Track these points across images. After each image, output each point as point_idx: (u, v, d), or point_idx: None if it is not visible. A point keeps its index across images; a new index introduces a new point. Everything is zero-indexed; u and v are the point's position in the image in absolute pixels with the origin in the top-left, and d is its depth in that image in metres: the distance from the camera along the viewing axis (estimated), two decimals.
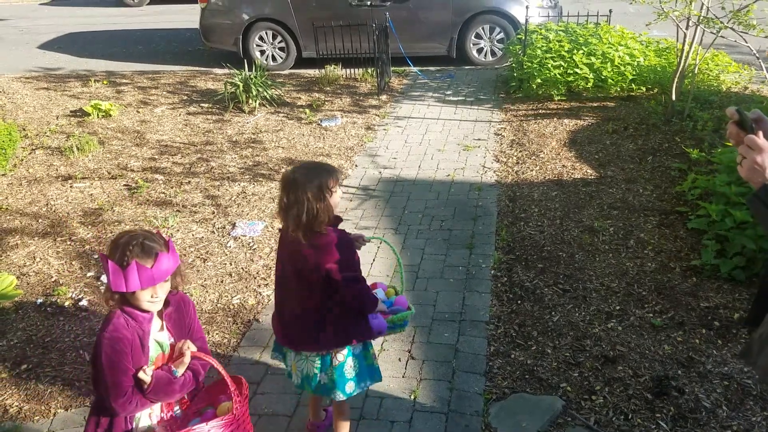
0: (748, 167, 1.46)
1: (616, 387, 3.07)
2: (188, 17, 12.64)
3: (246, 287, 4.06)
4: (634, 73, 6.86)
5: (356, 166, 5.80)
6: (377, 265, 4.22)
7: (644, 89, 6.90)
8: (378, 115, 6.98)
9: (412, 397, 3.06)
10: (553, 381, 3.12)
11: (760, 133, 1.46)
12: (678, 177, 5.03)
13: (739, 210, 3.77)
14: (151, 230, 2.13)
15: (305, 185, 2.29)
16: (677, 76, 5.82)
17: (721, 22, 4.35)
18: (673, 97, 5.92)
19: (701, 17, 4.80)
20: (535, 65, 7.01)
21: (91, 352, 2.07)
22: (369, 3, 8.56)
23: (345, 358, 2.48)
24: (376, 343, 3.43)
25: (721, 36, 5.07)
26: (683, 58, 5.67)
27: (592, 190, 5.06)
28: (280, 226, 2.45)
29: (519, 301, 3.79)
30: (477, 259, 4.24)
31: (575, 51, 6.97)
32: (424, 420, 2.91)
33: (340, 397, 2.48)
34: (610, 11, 7.62)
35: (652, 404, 2.93)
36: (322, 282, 2.35)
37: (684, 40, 5.63)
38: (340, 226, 2.49)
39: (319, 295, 2.39)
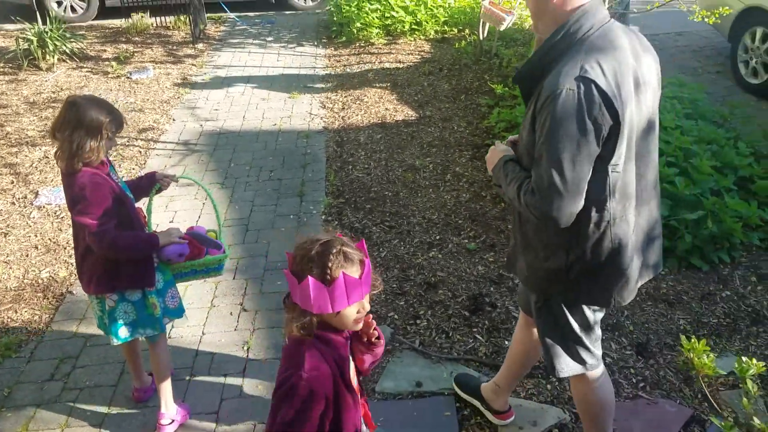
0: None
1: (438, 309, 3.28)
2: None
3: (56, 259, 3.73)
4: (446, 15, 7.13)
5: (174, 120, 5.50)
6: (204, 220, 4.08)
7: (456, 30, 7.21)
8: (195, 65, 6.62)
9: (245, 348, 3.05)
10: (381, 312, 3.27)
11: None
12: (487, 112, 5.37)
13: None
14: (332, 230, 1.71)
15: (85, 115, 2.21)
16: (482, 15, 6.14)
17: None
18: (481, 37, 6.25)
19: None
20: (354, 9, 7.02)
21: (275, 402, 1.56)
22: None
23: (116, 304, 2.42)
24: (205, 299, 3.36)
25: None
26: None
27: (413, 130, 5.25)
28: None
29: None
30: (308, 206, 4.26)
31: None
32: (258, 368, 2.92)
33: (114, 341, 2.46)
34: None
35: (469, 320, 3.18)
36: (75, 223, 2.33)
37: None
38: None
39: (75, 237, 2.41)
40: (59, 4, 8.23)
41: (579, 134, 1.65)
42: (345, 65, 6.66)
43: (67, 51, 6.63)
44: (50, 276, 3.59)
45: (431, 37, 7.16)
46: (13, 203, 4.29)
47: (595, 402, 2.18)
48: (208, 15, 7.97)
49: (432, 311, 3.27)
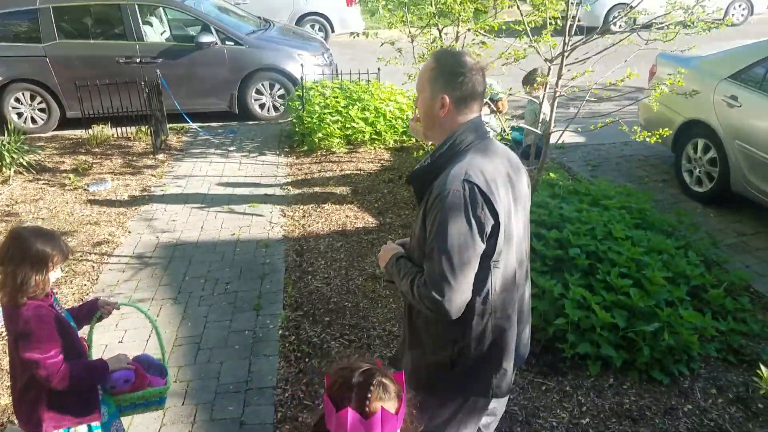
0: None
1: None
2: None
3: None
4: (404, 126, 7.39)
5: (129, 232, 5.41)
6: (155, 340, 3.92)
7: (414, 140, 7.45)
8: (154, 176, 6.63)
9: None
10: None
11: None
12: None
13: None
14: (371, 359, 1.60)
15: (30, 248, 2.18)
16: None
17: None
18: None
19: None
20: (315, 120, 7.23)
21: None
22: (138, 60, 8.20)
23: None
24: (152, 427, 3.16)
25: None
26: None
27: (374, 238, 5.28)
28: None
29: (306, 359, 3.76)
30: (264, 320, 4.15)
31: (350, 106, 7.32)
32: None
33: None
34: (379, 69, 8.17)
35: None
36: (19, 358, 2.24)
37: None
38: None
39: (12, 371, 2.33)
40: (20, 115, 8.27)
41: (466, 230, 1.86)
42: (306, 173, 6.76)
43: (24, 163, 6.59)
44: None
45: (390, 146, 7.38)
46: None
47: None
48: (171, 125, 8.09)
49: None
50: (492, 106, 5.31)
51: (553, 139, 4.31)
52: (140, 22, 8.27)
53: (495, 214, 1.89)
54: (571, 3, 3.79)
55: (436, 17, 5.48)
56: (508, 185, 1.99)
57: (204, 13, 8.63)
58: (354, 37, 6.01)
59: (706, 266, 4.29)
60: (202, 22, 8.60)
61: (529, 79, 5.51)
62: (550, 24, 4.36)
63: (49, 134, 8.15)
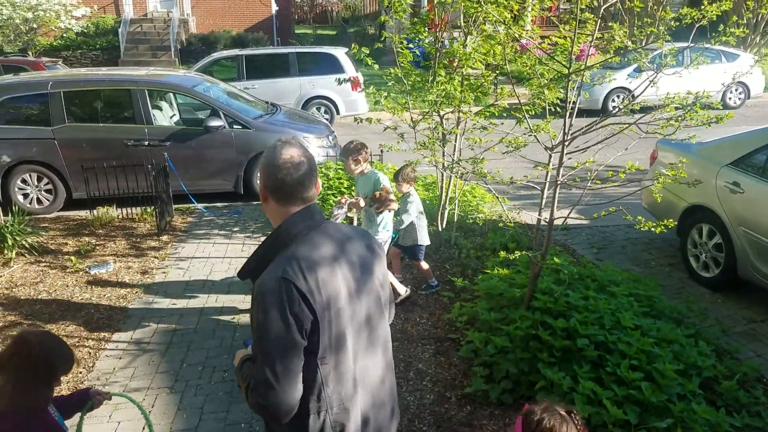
0: None
1: None
2: None
3: None
4: None
5: (129, 317, 5.33)
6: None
7: None
8: (157, 258, 6.60)
9: None
10: None
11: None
12: (449, 304, 5.36)
13: (499, 336, 4.07)
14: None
15: (38, 357, 2.11)
16: (440, 207, 6.41)
17: (464, 168, 4.92)
18: (440, 228, 6.47)
19: (449, 164, 5.42)
20: (318, 202, 7.27)
21: None
22: (146, 143, 8.37)
23: None
24: None
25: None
26: (444, 192, 6.30)
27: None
28: None
29: None
30: None
31: (353, 187, 7.39)
32: None
33: None
34: (381, 151, 8.30)
35: None
36: None
37: (442, 178, 6.28)
38: None
39: None
40: (26, 196, 8.35)
41: (284, 329, 1.84)
42: None
43: (26, 245, 6.59)
44: None
45: None
46: None
47: None
48: (176, 206, 8.15)
49: None
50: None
51: (557, 222, 4.30)
52: (149, 106, 8.49)
53: (313, 311, 1.87)
54: (571, 90, 3.86)
55: (437, 105, 5.61)
56: (345, 269, 1.99)
57: (213, 99, 8.86)
58: (359, 123, 6.12)
59: (718, 356, 4.16)
60: (211, 107, 8.84)
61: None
62: (550, 113, 4.44)
63: (54, 215, 8.20)
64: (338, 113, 14.27)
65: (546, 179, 4.03)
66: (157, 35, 21.42)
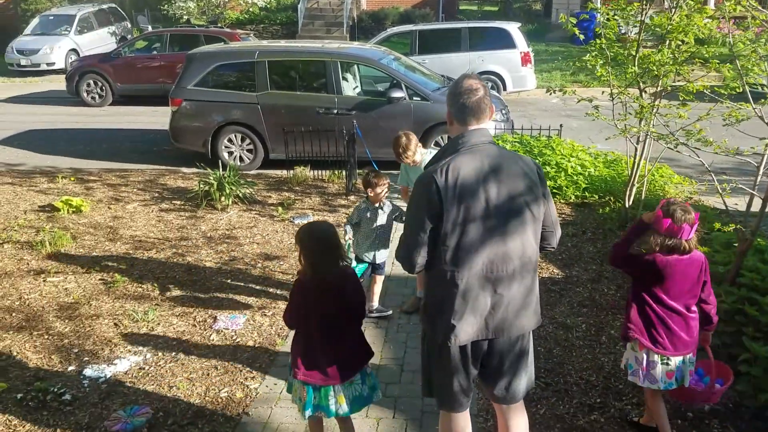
0: None
1: None
2: (149, 118, 12.88)
3: (233, 380, 4.03)
4: (587, 182, 7.42)
5: None
6: None
7: (596, 197, 7.44)
8: (347, 214, 7.21)
9: None
10: None
11: None
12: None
13: None
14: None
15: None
16: (629, 185, 6.36)
17: (677, 139, 4.88)
18: (627, 204, 6.42)
19: (663, 135, 5.35)
20: None
21: None
22: (335, 112, 9.04)
23: None
24: None
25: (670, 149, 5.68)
26: (635, 169, 6.24)
27: (561, 289, 5.34)
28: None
29: None
30: None
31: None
32: None
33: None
34: (561, 126, 8.32)
35: None
36: None
37: (636, 154, 6.22)
38: None
39: None
40: (230, 154, 9.40)
41: (419, 211, 2.55)
42: None
43: (240, 195, 7.49)
44: (228, 396, 3.87)
45: (571, 201, 7.42)
46: (194, 326, 4.74)
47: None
48: (358, 170, 8.77)
49: None
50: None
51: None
52: (341, 77, 9.15)
53: (442, 206, 2.46)
54: None
55: (639, 78, 5.57)
56: (489, 180, 2.50)
57: (396, 71, 9.35)
58: (551, 93, 6.22)
59: None
60: (393, 79, 9.33)
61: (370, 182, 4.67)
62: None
63: (254, 172, 9.16)
64: (504, 89, 14.29)
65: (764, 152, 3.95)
66: (332, 11, 22.53)
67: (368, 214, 4.73)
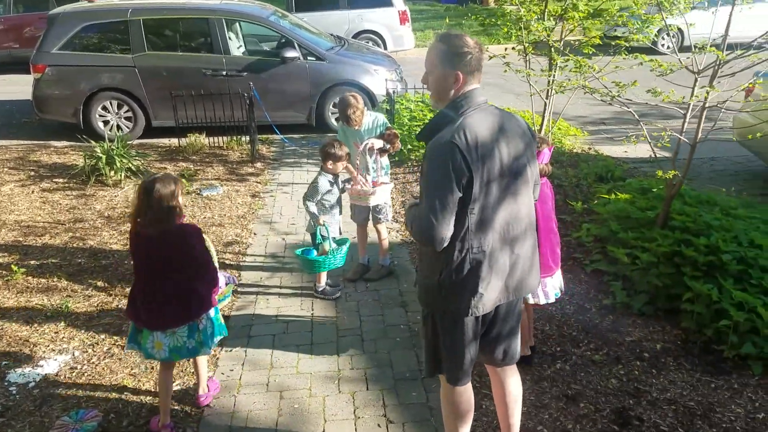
0: None
1: (585, 423, 3.28)
2: (1, 89, 11.32)
3: (182, 371, 3.66)
4: None
5: (254, 234, 5.59)
6: None
7: None
8: (259, 183, 6.82)
9: None
10: (529, 425, 3.25)
11: None
12: (563, 227, 5.59)
13: (643, 252, 4.33)
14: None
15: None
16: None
17: (609, 91, 5.04)
18: None
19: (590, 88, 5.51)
20: (405, 131, 7.43)
21: None
22: (225, 73, 8.44)
23: None
24: (349, 412, 3.31)
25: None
26: (542, 123, 6.46)
27: None
28: None
29: None
30: (414, 317, 4.25)
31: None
32: None
33: None
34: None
35: None
36: None
37: (545, 109, 6.43)
38: None
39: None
40: (106, 123, 8.49)
41: (445, 180, 2.33)
42: (401, 182, 6.93)
43: (131, 168, 6.79)
44: (181, 388, 3.51)
45: None
46: (119, 316, 4.23)
47: (449, 408, 2.77)
48: (260, 136, 8.30)
49: (580, 425, 3.26)
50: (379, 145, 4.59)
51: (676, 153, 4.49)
52: (227, 36, 8.52)
53: (470, 170, 2.32)
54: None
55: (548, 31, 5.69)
56: (501, 140, 2.42)
57: (288, 29, 8.88)
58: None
59: None
60: (283, 38, 8.85)
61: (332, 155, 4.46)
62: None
63: (136, 142, 8.35)
64: (385, 48, 14.20)
65: (690, 101, 4.19)
66: None
67: (332, 187, 4.47)
